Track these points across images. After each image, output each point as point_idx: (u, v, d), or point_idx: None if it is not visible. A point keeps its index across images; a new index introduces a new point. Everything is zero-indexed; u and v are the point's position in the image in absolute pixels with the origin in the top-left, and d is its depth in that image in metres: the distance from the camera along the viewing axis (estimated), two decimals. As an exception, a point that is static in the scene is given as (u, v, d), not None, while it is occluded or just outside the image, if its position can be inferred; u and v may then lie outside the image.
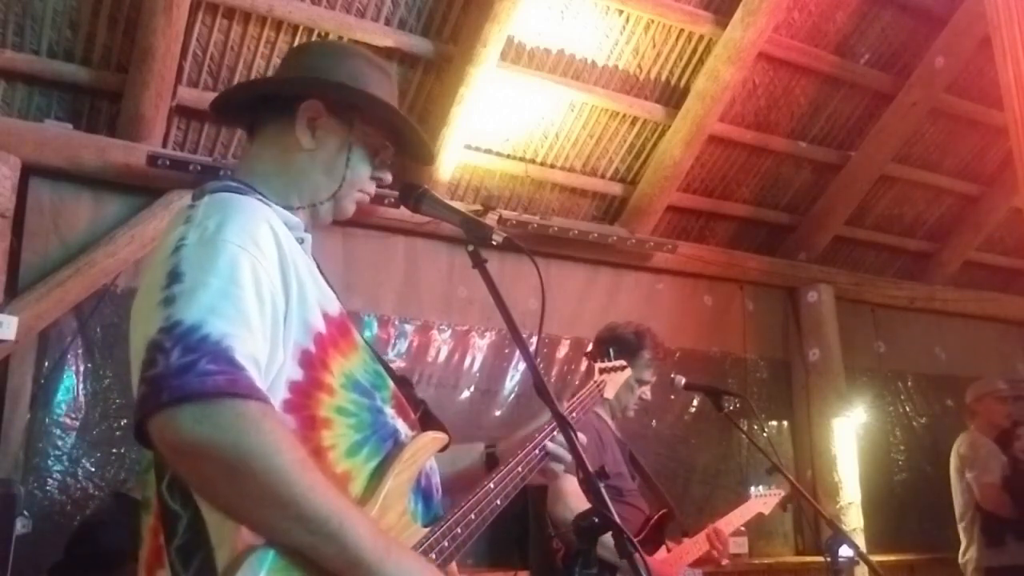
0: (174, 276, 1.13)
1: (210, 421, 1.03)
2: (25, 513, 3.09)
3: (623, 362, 2.29)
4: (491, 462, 1.55)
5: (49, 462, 3.45)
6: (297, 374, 1.21)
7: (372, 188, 1.49)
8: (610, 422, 3.12)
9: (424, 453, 1.35)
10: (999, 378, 4.77)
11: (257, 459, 1.04)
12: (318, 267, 1.39)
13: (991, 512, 4.25)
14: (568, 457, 1.51)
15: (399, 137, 1.50)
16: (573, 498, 2.66)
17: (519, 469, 1.48)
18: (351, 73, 1.43)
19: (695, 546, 3.03)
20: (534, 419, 1.63)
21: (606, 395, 2.15)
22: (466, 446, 1.55)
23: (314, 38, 3.74)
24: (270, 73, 3.35)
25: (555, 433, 1.56)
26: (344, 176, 1.42)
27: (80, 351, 3.59)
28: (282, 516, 1.05)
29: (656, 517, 2.96)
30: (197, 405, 1.03)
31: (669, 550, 2.97)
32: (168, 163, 3.59)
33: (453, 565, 1.32)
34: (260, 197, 1.32)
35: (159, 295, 1.12)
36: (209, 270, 1.13)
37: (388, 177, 1.51)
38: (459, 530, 1.30)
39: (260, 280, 1.16)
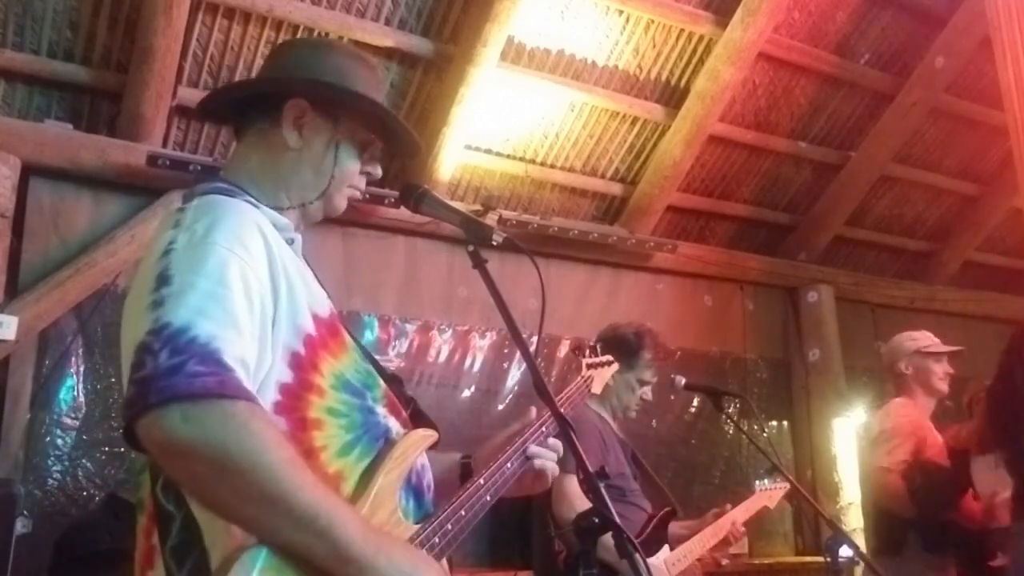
0: (163, 279, 1.14)
1: (198, 421, 1.04)
2: (25, 513, 3.10)
3: (609, 357, 2.28)
4: (465, 472, 1.53)
5: (49, 462, 3.46)
6: (287, 376, 1.21)
7: (362, 184, 1.49)
8: (612, 423, 3.14)
9: (414, 450, 1.35)
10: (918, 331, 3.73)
11: (245, 458, 1.04)
12: (310, 267, 1.39)
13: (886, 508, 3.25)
14: (551, 460, 1.51)
15: (385, 130, 1.49)
16: (576, 498, 2.66)
17: (508, 465, 1.47)
18: (335, 69, 1.43)
19: (700, 543, 3.04)
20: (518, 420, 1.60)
21: (593, 390, 2.14)
22: (443, 455, 1.53)
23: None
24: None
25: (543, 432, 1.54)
26: (332, 174, 1.42)
27: (80, 351, 3.59)
28: (271, 514, 1.06)
29: (659, 516, 2.97)
30: (185, 406, 1.04)
31: (672, 549, 2.98)
32: (168, 163, 3.59)
33: (444, 561, 1.32)
34: (249, 199, 1.33)
35: (148, 298, 1.13)
36: (198, 273, 1.14)
37: (378, 172, 1.51)
38: (450, 526, 1.30)
39: (249, 283, 1.17)
